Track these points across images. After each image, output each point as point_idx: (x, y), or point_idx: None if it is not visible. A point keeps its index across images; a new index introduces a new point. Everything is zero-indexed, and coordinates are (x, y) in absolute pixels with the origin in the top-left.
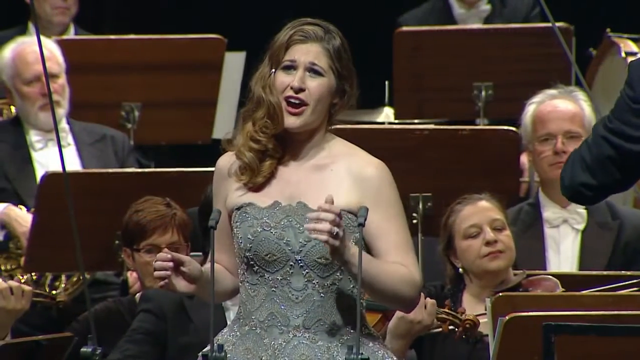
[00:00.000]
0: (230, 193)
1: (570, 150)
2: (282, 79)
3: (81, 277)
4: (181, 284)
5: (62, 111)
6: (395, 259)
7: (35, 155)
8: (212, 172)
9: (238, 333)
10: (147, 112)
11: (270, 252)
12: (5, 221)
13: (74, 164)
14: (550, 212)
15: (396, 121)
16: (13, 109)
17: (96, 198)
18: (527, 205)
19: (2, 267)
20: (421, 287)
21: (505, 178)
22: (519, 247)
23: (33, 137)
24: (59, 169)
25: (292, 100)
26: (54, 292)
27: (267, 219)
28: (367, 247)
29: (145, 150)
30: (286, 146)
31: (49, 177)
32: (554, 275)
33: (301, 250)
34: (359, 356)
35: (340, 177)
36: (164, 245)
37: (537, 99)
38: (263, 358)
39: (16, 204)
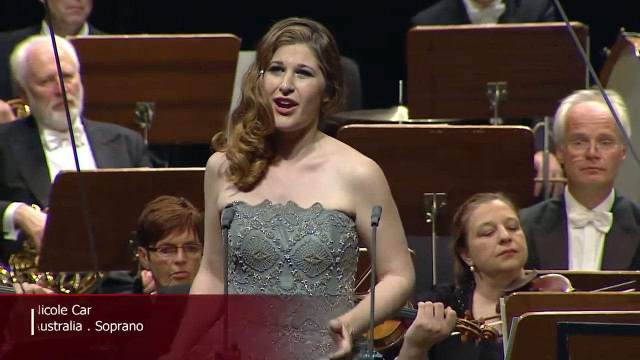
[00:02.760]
0: (221, 192)
1: (603, 157)
2: (271, 80)
3: (95, 276)
4: None
5: (76, 111)
6: (393, 265)
7: (49, 155)
8: None
9: None
10: (161, 111)
11: (259, 251)
12: (19, 220)
13: (88, 163)
14: (575, 212)
15: (410, 120)
16: (27, 108)
17: (110, 197)
18: (552, 203)
19: (17, 266)
20: (413, 282)
21: (519, 178)
22: (542, 246)
23: (47, 136)
24: (73, 168)
25: (282, 102)
26: None
27: (257, 218)
28: (363, 245)
29: (159, 149)
30: (277, 146)
31: (63, 176)
32: (565, 274)
33: (290, 249)
34: (373, 355)
35: (331, 177)
36: (180, 244)
37: (571, 98)
38: (251, 357)
39: (30, 204)
